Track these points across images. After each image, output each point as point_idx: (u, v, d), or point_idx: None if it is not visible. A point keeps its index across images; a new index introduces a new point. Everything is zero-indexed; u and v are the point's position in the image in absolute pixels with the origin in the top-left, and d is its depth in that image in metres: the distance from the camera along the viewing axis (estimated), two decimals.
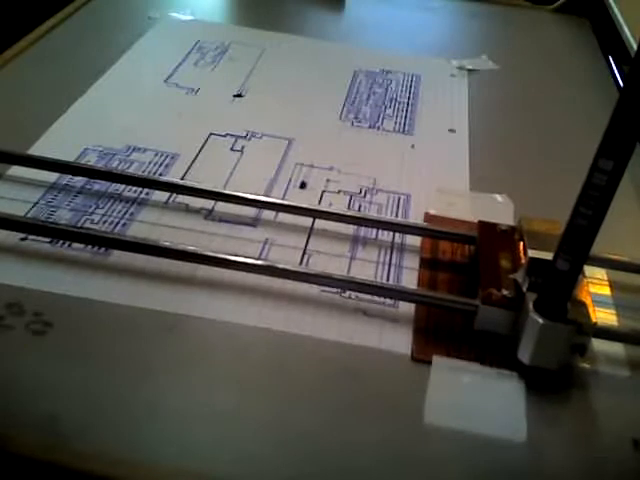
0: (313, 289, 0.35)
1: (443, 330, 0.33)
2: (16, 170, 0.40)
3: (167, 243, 0.35)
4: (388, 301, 0.34)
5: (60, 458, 0.27)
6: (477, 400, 0.30)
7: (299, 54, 0.58)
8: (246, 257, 0.34)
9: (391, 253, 0.38)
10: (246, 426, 0.28)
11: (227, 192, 0.39)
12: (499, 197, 0.41)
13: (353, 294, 0.35)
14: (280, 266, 0.34)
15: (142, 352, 0.31)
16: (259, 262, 0.34)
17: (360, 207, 0.41)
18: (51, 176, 0.40)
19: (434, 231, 0.38)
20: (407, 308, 0.34)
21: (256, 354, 0.31)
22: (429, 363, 0.31)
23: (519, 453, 0.28)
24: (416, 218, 0.40)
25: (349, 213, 0.39)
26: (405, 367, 0.31)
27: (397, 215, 0.40)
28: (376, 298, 0.35)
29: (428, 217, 0.40)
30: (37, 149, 0.42)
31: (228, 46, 0.58)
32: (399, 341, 0.32)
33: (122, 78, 0.51)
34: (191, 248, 0.34)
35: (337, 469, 0.27)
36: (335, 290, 0.35)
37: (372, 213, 0.40)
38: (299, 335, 0.32)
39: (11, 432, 0.27)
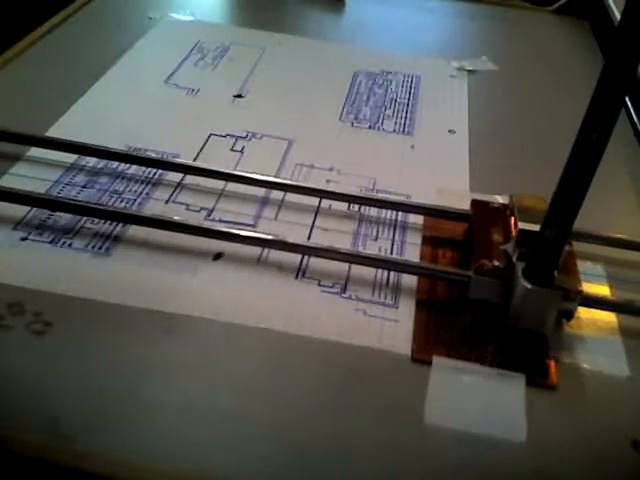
0: (313, 289, 0.35)
1: (443, 330, 0.33)
2: (35, 151, 0.42)
3: (179, 218, 0.36)
4: (388, 301, 0.35)
5: (60, 458, 0.27)
6: (477, 400, 0.30)
7: (299, 54, 0.58)
8: (256, 232, 0.36)
9: (394, 233, 0.39)
10: (246, 426, 0.28)
11: (236, 173, 0.41)
12: (499, 198, 0.41)
13: (353, 294, 0.35)
14: (289, 240, 0.35)
15: (142, 352, 0.31)
16: (269, 237, 0.35)
17: (360, 207, 0.41)
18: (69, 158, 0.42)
19: (432, 209, 0.39)
20: (407, 308, 0.34)
21: (256, 354, 0.31)
22: (429, 363, 0.32)
23: (519, 453, 0.29)
24: (415, 218, 0.40)
25: (354, 193, 0.40)
26: (405, 367, 0.31)
27: (397, 216, 0.40)
28: (376, 298, 0.35)
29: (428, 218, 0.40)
30: (38, 149, 0.42)
31: (228, 46, 0.58)
32: (399, 341, 0.33)
33: (122, 78, 0.52)
34: (206, 224, 0.36)
35: (337, 469, 0.27)
36: (335, 290, 0.35)
37: (372, 214, 0.40)
38: (299, 335, 0.32)
39: (11, 432, 0.27)
